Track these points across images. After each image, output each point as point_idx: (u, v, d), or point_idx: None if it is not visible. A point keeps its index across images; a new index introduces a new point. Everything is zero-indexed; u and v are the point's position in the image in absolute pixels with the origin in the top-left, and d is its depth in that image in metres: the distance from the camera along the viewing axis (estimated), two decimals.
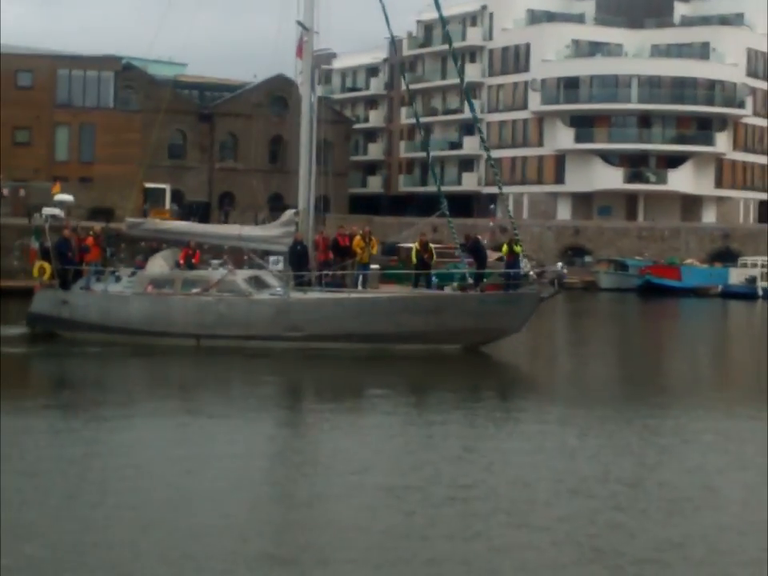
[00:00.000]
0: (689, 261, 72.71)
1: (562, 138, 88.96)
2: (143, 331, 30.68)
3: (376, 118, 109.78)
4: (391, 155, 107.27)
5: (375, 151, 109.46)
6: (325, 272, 32.38)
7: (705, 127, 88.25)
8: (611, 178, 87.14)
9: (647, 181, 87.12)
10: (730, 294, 66.46)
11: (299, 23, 34.46)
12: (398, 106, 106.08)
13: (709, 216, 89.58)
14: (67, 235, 33.16)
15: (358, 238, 33.58)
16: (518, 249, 32.94)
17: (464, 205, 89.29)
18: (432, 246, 33.28)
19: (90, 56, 72.43)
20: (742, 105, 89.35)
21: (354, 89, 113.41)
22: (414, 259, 33.02)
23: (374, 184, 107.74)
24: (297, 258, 32.01)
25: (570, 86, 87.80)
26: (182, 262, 32.69)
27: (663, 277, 69.22)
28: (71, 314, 32.02)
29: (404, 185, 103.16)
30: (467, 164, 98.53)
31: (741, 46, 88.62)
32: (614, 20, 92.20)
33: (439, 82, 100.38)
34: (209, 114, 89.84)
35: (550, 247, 78.13)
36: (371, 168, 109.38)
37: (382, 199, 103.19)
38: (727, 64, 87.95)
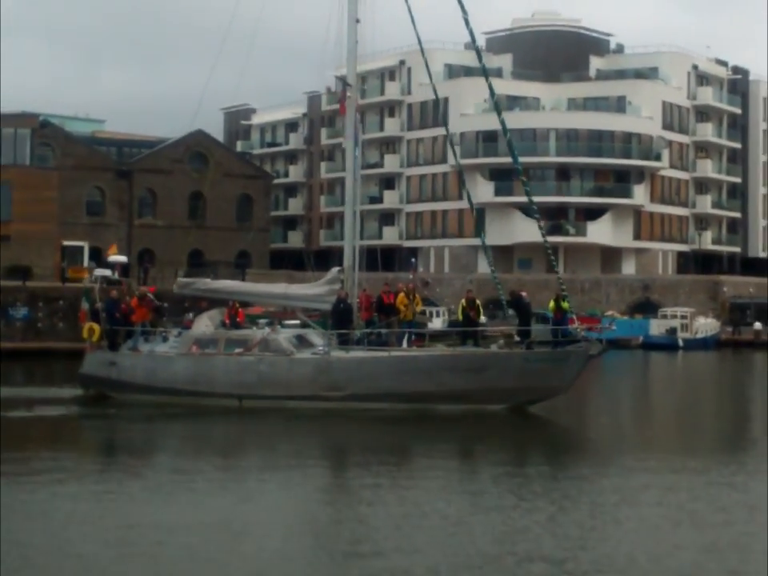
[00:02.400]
0: (609, 312, 72.97)
1: (482, 191, 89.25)
2: (187, 391, 30.69)
3: (296, 172, 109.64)
4: (312, 210, 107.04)
5: (296, 206, 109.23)
6: (369, 330, 31.89)
7: (622, 180, 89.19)
8: (531, 231, 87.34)
9: (566, 233, 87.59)
10: (650, 345, 66.73)
11: (340, 79, 34.17)
12: (317, 160, 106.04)
13: (628, 267, 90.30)
14: (115, 296, 33.24)
15: (402, 295, 32.73)
16: (565, 305, 32.01)
17: (385, 258, 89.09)
18: (479, 304, 32.41)
19: (6, 113, 71.33)
20: (658, 157, 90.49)
21: (273, 144, 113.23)
22: (459, 316, 32.39)
23: (295, 239, 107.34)
24: (340, 316, 31.61)
25: (489, 139, 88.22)
26: (227, 321, 32.81)
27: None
28: (119, 375, 32.07)
29: (325, 239, 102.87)
30: (388, 218, 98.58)
31: (656, 99, 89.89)
32: (531, 74, 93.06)
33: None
34: (127, 171, 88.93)
35: None
36: (292, 223, 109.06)
37: (304, 254, 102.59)
38: (643, 117, 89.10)
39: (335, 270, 33.66)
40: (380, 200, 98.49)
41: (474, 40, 33.95)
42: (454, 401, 29.21)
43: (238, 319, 33.19)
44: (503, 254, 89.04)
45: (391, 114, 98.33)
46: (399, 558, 13.82)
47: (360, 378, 29.70)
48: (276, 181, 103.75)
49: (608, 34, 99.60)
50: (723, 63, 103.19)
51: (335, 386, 29.68)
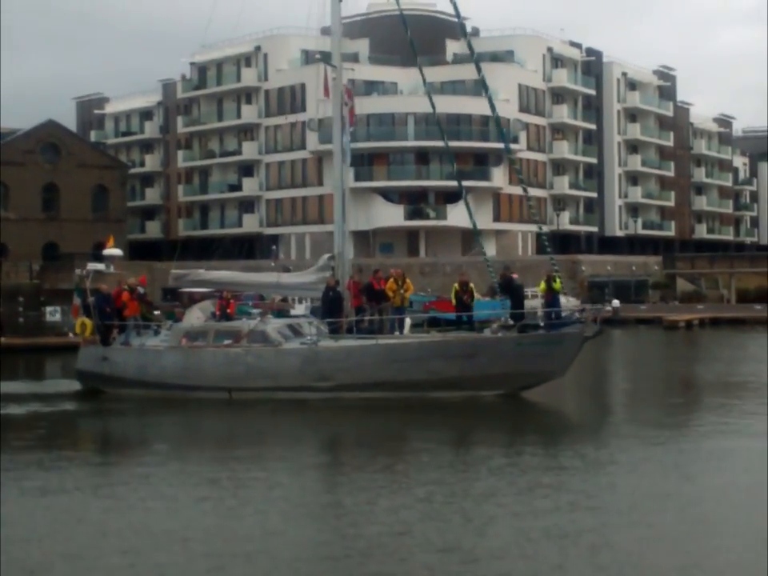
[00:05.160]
0: None
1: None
2: (177, 385, 30.18)
3: (152, 162, 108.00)
4: (169, 199, 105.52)
5: (153, 196, 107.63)
6: (358, 318, 30.90)
7: (481, 162, 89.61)
8: (392, 216, 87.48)
9: (427, 217, 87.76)
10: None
11: (323, 60, 33.43)
12: (174, 149, 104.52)
13: (489, 250, 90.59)
14: (105, 290, 32.48)
15: (391, 281, 31.56)
16: (557, 285, 31.12)
17: (245, 246, 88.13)
18: (472, 287, 31.38)
19: None
20: (515, 140, 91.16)
21: (128, 133, 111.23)
22: (453, 300, 31.46)
23: (153, 229, 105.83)
24: (330, 304, 30.84)
25: None
26: (217, 312, 32.27)
27: (448, 311, 69.43)
28: (111, 370, 31.67)
29: (184, 229, 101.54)
30: (248, 206, 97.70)
31: (512, 83, 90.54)
32: (388, 59, 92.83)
33: (216, 124, 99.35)
34: None
35: None
36: (149, 213, 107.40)
37: (162, 244, 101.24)
38: (500, 100, 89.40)
39: (325, 256, 32.99)
40: (239, 188, 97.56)
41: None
42: (445, 388, 28.30)
43: (228, 311, 32.49)
44: (364, 239, 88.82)
45: (248, 101, 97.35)
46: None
47: (348, 367, 28.87)
48: (132, 171, 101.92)
49: (464, 18, 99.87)
50: (577, 45, 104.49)
51: (323, 376, 28.91)
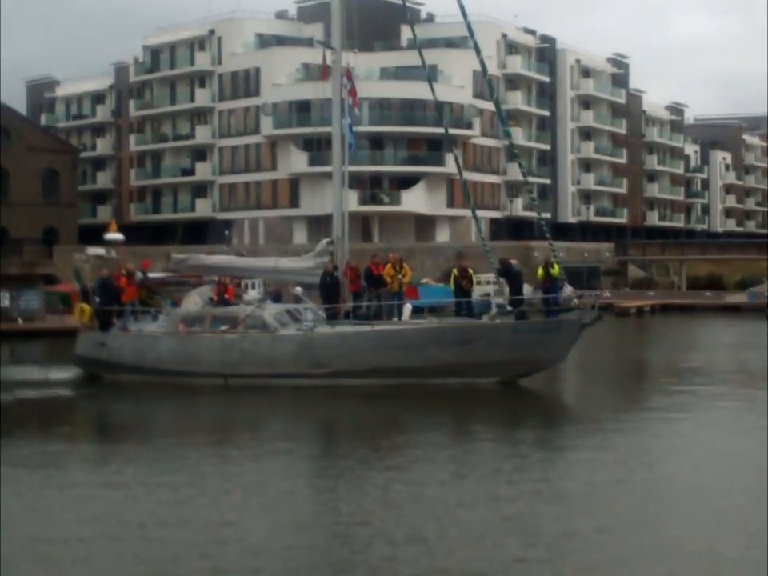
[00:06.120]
0: (425, 280, 73.09)
1: (296, 161, 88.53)
2: (173, 371, 29.80)
3: (104, 145, 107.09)
4: (121, 183, 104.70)
5: (104, 180, 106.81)
6: (356, 303, 30.53)
7: (435, 148, 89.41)
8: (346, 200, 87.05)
9: (381, 202, 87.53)
10: (465, 311, 67.09)
11: (321, 42, 32.82)
12: (126, 132, 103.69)
13: (443, 235, 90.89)
14: (105, 275, 32.23)
15: (388, 266, 30.87)
16: (555, 271, 30.45)
17: (198, 231, 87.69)
18: (471, 273, 30.56)
19: None
20: (470, 126, 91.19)
21: (79, 116, 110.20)
22: (451, 286, 30.79)
23: (104, 214, 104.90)
24: (327, 290, 30.43)
25: (302, 109, 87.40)
26: (215, 298, 31.72)
27: (411, 299, 69.32)
28: (109, 355, 31.36)
29: (135, 213, 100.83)
30: (200, 190, 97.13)
31: (467, 68, 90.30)
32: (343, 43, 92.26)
33: (168, 108, 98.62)
34: None
35: None
36: (101, 197, 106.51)
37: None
38: (454, 86, 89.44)
39: (324, 241, 32.67)
40: (192, 172, 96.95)
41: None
42: (442, 375, 27.94)
43: (226, 296, 31.87)
44: (318, 224, 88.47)
45: (202, 85, 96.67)
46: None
47: (344, 353, 28.51)
48: (83, 154, 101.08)
49: (419, 3, 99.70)
50: (531, 32, 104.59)
51: (319, 362, 28.54)
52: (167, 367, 30.05)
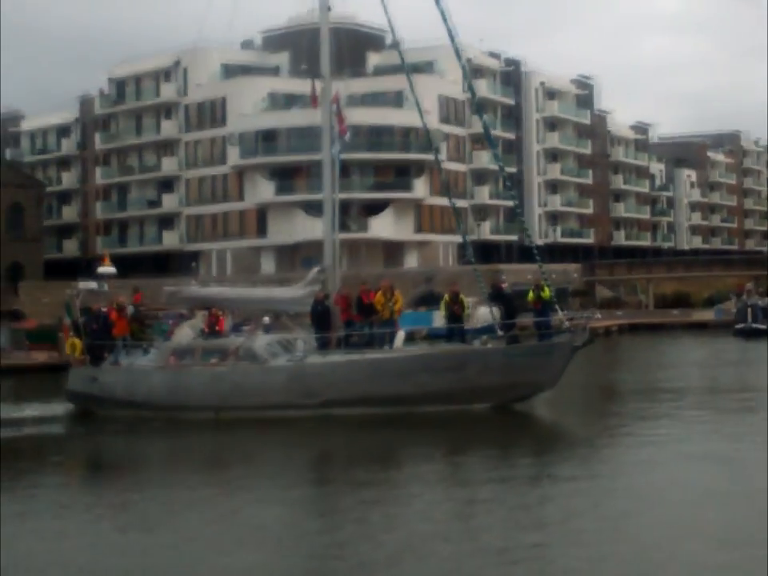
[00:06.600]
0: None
1: (263, 190, 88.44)
2: (164, 405, 29.36)
3: (69, 179, 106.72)
4: (87, 217, 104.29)
5: (70, 214, 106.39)
6: (348, 332, 30.24)
7: (403, 174, 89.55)
8: (313, 229, 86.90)
9: (349, 229, 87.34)
10: (435, 337, 66.92)
11: (309, 73, 33.00)
12: (92, 165, 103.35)
13: (411, 261, 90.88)
14: (96, 310, 31.95)
15: (379, 294, 30.56)
16: (545, 294, 30.11)
17: (165, 263, 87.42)
18: (463, 298, 30.47)
19: None
20: (437, 150, 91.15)
21: (44, 150, 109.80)
22: (443, 311, 30.68)
23: (71, 248, 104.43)
24: (318, 318, 30.16)
25: (268, 138, 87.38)
26: (206, 329, 31.24)
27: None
28: (100, 390, 31.04)
29: (102, 246, 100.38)
30: (167, 222, 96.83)
31: (433, 93, 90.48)
32: (308, 72, 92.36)
33: (134, 140, 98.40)
34: None
35: None
36: (67, 231, 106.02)
37: (80, 263, 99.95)
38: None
39: (315, 269, 32.43)
40: (159, 204, 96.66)
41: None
42: (434, 402, 27.67)
43: (217, 327, 31.46)
44: (286, 253, 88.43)
45: (168, 116, 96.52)
46: None
47: (335, 383, 28.23)
48: (49, 188, 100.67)
49: (383, 30, 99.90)
50: (496, 56, 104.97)
51: (310, 392, 28.19)
52: (158, 401, 29.65)
